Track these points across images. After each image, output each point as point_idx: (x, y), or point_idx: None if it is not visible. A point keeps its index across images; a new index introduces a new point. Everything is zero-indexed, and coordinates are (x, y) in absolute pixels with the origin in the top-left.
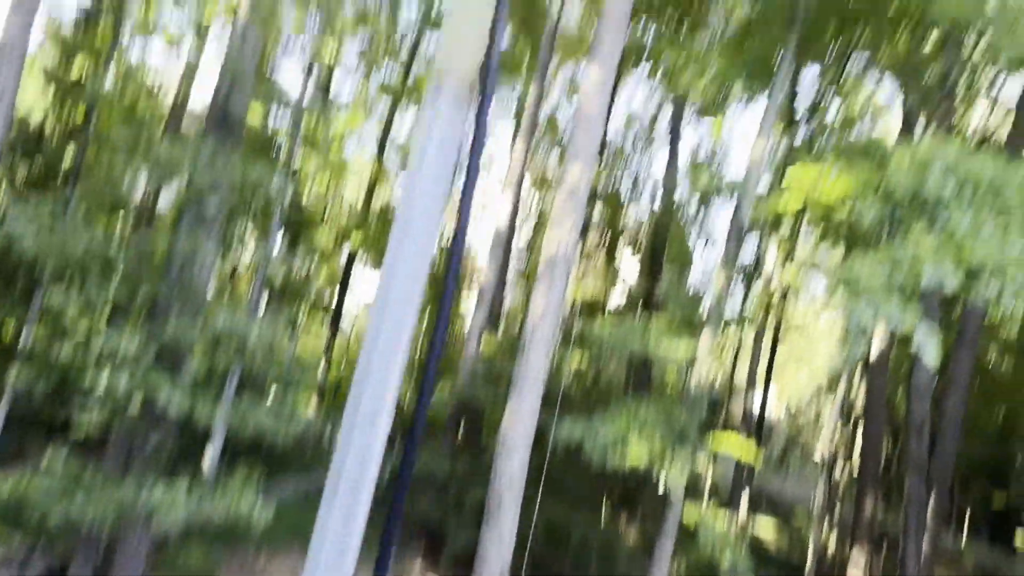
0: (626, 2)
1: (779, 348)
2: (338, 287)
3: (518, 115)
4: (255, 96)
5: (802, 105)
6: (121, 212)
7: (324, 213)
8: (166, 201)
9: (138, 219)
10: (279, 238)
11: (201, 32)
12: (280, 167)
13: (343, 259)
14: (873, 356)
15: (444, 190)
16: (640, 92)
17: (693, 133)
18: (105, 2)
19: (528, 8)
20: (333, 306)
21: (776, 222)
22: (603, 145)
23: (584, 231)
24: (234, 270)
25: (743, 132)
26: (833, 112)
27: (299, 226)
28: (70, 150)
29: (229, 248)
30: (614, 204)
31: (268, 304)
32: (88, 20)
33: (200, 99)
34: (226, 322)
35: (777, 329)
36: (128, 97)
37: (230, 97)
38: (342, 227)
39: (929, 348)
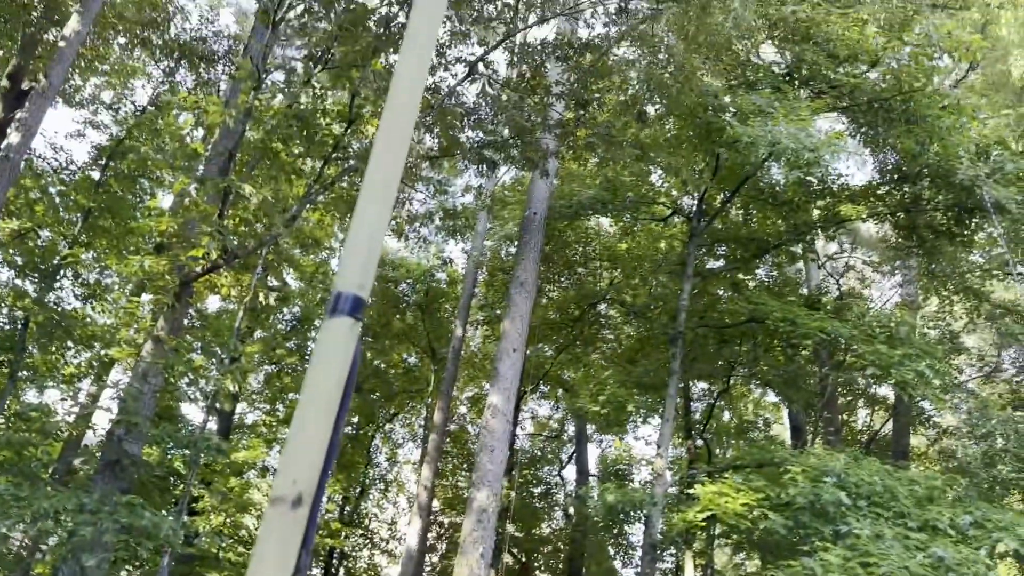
0: (522, 329)
1: None
2: None
3: (424, 438)
4: (152, 437)
5: (697, 415)
6: None
7: (220, 549)
8: (44, 553)
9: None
10: None
11: (101, 371)
12: (174, 509)
13: None
14: None
15: None
16: (544, 406)
17: (599, 446)
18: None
19: (433, 333)
20: None
21: (688, 535)
22: (510, 465)
23: (497, 552)
24: None
25: (646, 443)
26: (726, 419)
27: (192, 566)
28: None
29: None
30: (527, 521)
31: None
32: None
33: (96, 435)
34: None
35: None
36: (16, 441)
37: (125, 438)
38: (239, 563)
39: None
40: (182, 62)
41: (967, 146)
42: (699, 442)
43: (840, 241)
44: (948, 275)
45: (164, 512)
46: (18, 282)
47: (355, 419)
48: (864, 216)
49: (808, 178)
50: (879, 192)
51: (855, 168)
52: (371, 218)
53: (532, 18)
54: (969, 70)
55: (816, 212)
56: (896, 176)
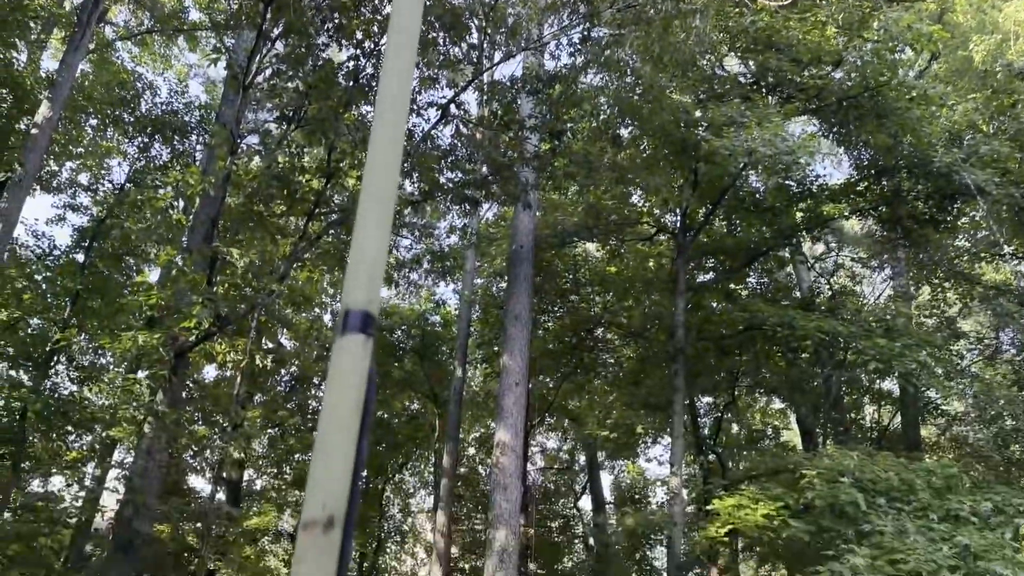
0: (521, 363)
1: None
2: None
3: (436, 484)
4: (162, 514)
5: (706, 430)
6: None
7: None
8: None
9: None
10: None
11: (104, 453)
12: None
13: None
14: None
15: None
16: (552, 438)
17: (611, 473)
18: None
19: (433, 377)
20: None
21: (712, 552)
22: (525, 502)
23: None
24: None
25: (658, 464)
26: (735, 432)
27: None
28: None
29: None
30: (548, 557)
31: None
32: None
33: (106, 518)
34: None
35: None
36: (26, 533)
37: (134, 518)
38: None
39: None
40: (156, 137)
41: (940, 134)
42: (711, 457)
43: (826, 241)
44: (937, 263)
45: None
46: (12, 373)
47: (363, 473)
48: (846, 214)
49: (788, 182)
50: (859, 188)
51: (832, 168)
52: (372, 232)
53: (498, 56)
54: (932, 60)
55: (799, 215)
56: (873, 171)
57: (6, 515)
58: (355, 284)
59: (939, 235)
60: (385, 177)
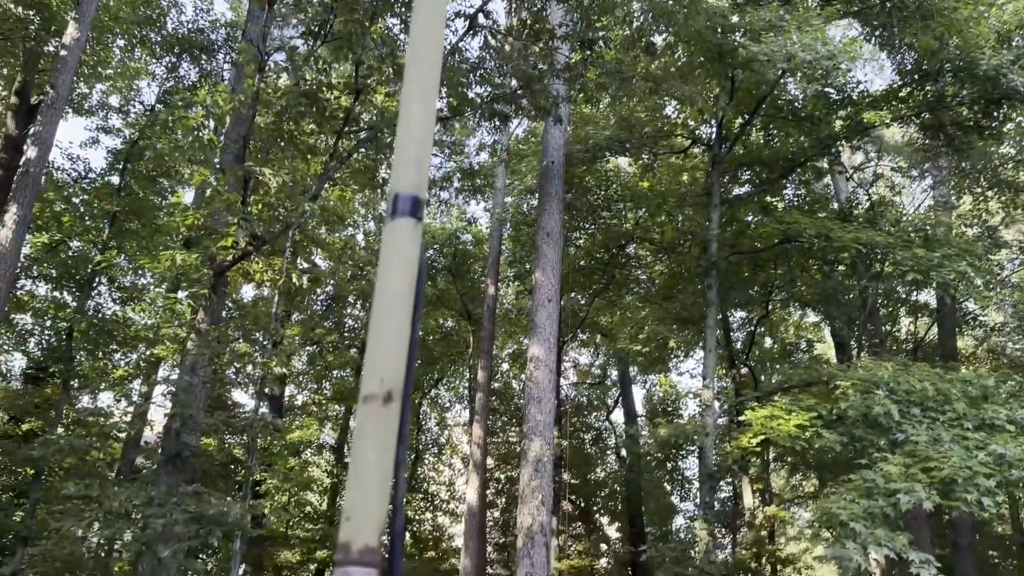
0: (554, 279)
1: None
2: None
3: (471, 399)
4: (208, 427)
5: (739, 344)
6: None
7: (287, 527)
8: (120, 548)
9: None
10: (241, 565)
11: (149, 370)
12: (239, 494)
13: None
14: None
15: None
16: (585, 354)
17: (643, 387)
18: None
19: (466, 294)
20: None
21: (744, 462)
22: (558, 415)
23: (556, 500)
24: None
25: (691, 377)
26: (768, 345)
27: (263, 547)
28: (18, 512)
29: None
30: (581, 468)
31: None
32: (37, 376)
33: (154, 431)
34: None
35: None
36: (79, 447)
37: (182, 431)
38: (307, 539)
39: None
40: (183, 56)
41: (987, 35)
42: (743, 370)
43: (866, 150)
44: (980, 171)
45: (229, 498)
46: (56, 294)
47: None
48: (888, 121)
49: (827, 89)
50: (901, 95)
51: (873, 74)
52: (417, 115)
53: None
54: None
55: (838, 124)
56: (917, 76)
57: (59, 430)
58: (403, 169)
59: (983, 142)
60: (428, 57)
